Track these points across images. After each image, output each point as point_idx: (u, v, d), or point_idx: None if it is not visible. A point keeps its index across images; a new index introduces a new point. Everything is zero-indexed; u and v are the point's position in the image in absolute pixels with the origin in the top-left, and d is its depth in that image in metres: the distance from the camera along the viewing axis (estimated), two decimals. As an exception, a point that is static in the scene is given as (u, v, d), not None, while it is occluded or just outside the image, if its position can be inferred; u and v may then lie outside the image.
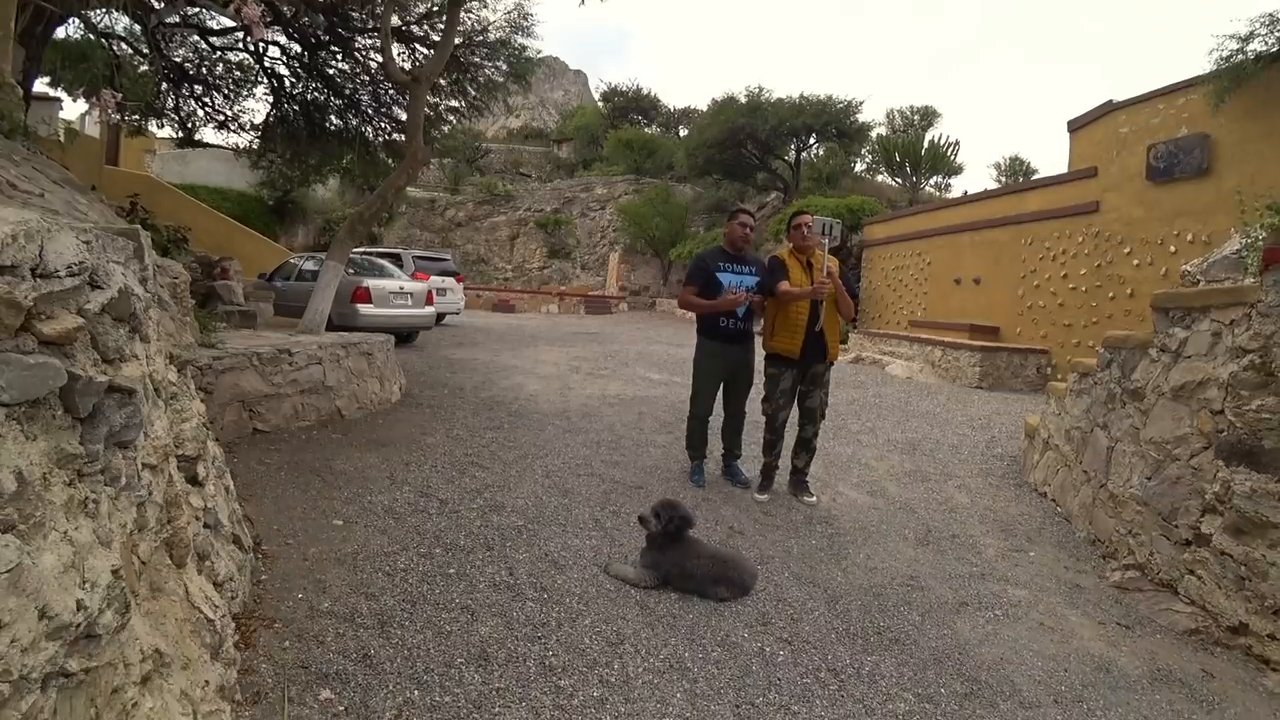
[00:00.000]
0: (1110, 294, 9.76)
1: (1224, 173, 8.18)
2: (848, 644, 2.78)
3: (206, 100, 10.24)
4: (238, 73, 10.19)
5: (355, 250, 12.28)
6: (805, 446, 4.58)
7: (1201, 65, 8.27)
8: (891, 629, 2.92)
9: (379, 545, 3.15)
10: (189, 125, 10.35)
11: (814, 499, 4.54)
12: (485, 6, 8.90)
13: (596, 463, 4.96)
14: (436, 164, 29.34)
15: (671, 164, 27.54)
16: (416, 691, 2.18)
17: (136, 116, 10.01)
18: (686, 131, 30.07)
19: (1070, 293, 10.60)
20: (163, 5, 8.05)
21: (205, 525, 2.24)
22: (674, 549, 3.17)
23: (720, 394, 4.78)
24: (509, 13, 9.32)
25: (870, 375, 11.67)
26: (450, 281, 13.68)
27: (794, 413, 4.58)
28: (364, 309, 8.97)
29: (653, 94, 32.89)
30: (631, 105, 32.48)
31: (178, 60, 9.53)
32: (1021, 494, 5.10)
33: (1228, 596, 2.90)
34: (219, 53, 9.79)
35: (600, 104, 34.63)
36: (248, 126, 10.62)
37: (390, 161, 16.90)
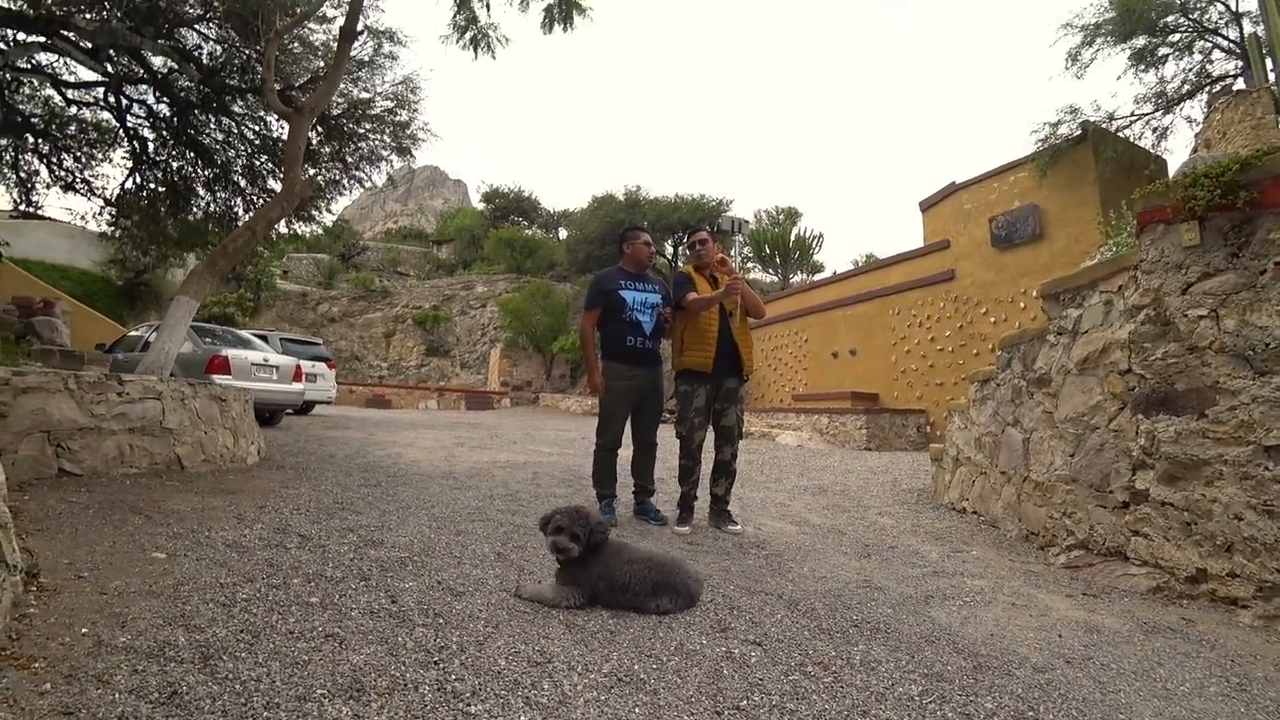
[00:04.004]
0: (974, 351, 10.57)
1: (1054, 236, 9.32)
2: (826, 640, 2.36)
3: (54, 160, 8.90)
4: (94, 132, 9.05)
5: (216, 325, 11.02)
6: (724, 471, 4.25)
7: (1026, 146, 9.63)
8: (868, 621, 2.55)
9: (213, 577, 2.37)
10: (28, 185, 8.94)
11: (738, 528, 4.16)
12: (374, 71, 8.71)
13: (492, 511, 4.33)
14: (310, 259, 27.94)
15: (553, 263, 27.92)
16: (252, 732, 1.49)
17: None
18: (567, 233, 30.92)
19: (938, 354, 11.39)
20: (13, 47, 7.11)
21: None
22: (597, 559, 2.63)
23: (629, 426, 4.40)
24: (397, 85, 9.21)
25: (762, 445, 11.71)
26: (321, 367, 12.50)
27: (709, 437, 4.28)
28: (221, 381, 7.81)
29: (533, 196, 33.81)
30: (512, 206, 33.09)
31: (22, 111, 8.33)
32: (940, 514, 5.01)
33: (1178, 547, 2.80)
34: (74, 108, 8.71)
35: (481, 205, 35.01)
36: (99, 192, 9.36)
37: (264, 249, 15.67)
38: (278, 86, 7.43)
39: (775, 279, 23.30)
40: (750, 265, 24.36)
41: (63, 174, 8.85)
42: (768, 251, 22.21)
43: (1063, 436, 3.58)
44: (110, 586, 2.15)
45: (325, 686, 1.74)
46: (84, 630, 1.83)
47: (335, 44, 7.24)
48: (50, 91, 8.33)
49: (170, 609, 2.05)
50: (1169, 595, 2.77)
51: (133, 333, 9.70)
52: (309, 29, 8.30)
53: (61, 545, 2.48)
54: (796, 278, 23.39)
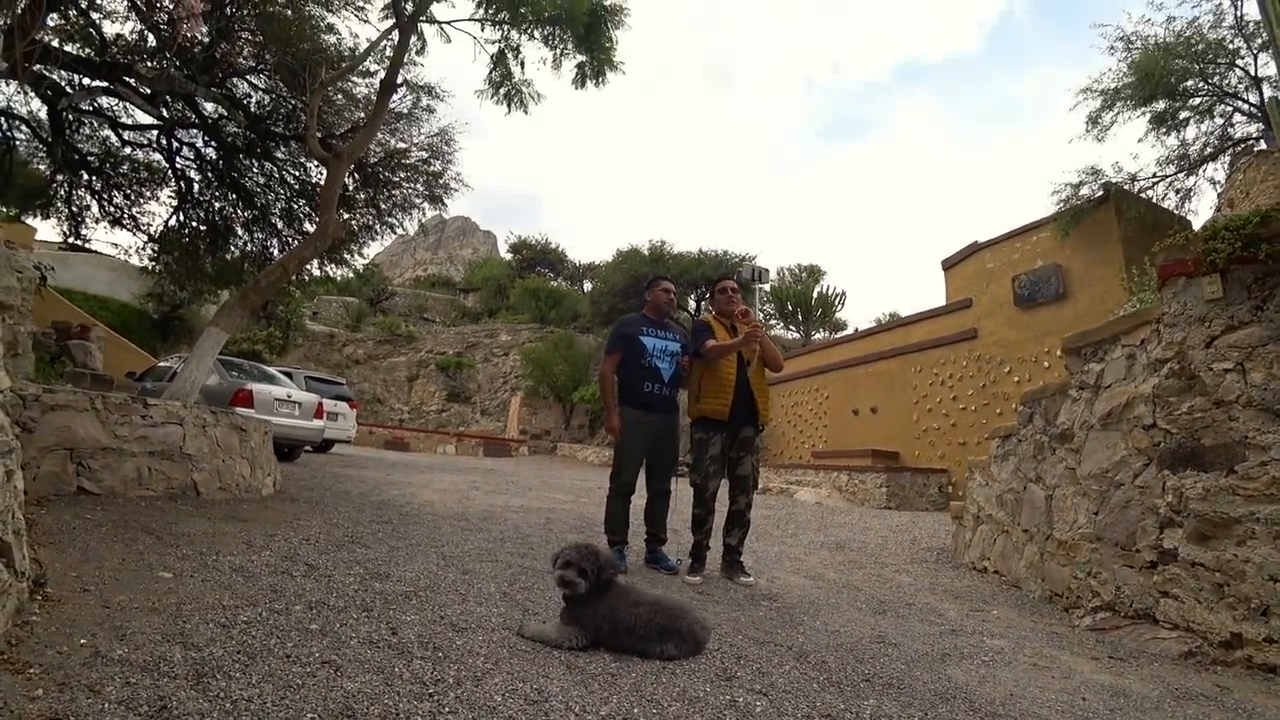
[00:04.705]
0: (998, 410, 10.37)
1: (1078, 295, 9.25)
2: (835, 692, 2.27)
3: (105, 197, 9.38)
4: (144, 172, 9.55)
5: (243, 360, 11.28)
6: (738, 520, 4.17)
7: (1047, 207, 9.66)
8: (880, 676, 2.45)
9: (216, 599, 2.37)
10: (79, 219, 9.41)
11: (751, 579, 4.05)
12: (412, 123, 9.11)
13: (501, 553, 4.28)
14: (339, 302, 28.64)
15: (576, 314, 28.21)
16: (236, 750, 1.47)
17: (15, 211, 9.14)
18: (591, 286, 31.32)
19: (961, 413, 11.19)
20: (78, 90, 7.61)
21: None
22: (602, 600, 2.58)
23: (642, 472, 4.36)
24: (433, 136, 9.60)
25: (779, 501, 11.47)
26: (343, 406, 12.67)
27: (722, 487, 4.21)
28: (244, 414, 7.96)
29: (560, 248, 34.53)
30: (539, 258, 33.78)
31: (80, 150, 8.83)
32: (960, 573, 4.84)
33: (1211, 609, 2.66)
34: (129, 148, 9.22)
35: (508, 256, 35.80)
36: (144, 228, 9.80)
37: (295, 290, 16.12)
38: (319, 135, 7.81)
39: (797, 336, 23.30)
40: (773, 321, 24.42)
41: (112, 210, 9.31)
42: (790, 309, 22.29)
43: (1086, 493, 3.47)
44: (114, 601, 2.17)
45: (316, 711, 1.71)
46: (83, 641, 1.83)
47: (376, 96, 7.61)
48: (108, 132, 8.85)
49: (170, 626, 2.05)
50: (1202, 661, 2.62)
51: (162, 363, 9.96)
52: (352, 82, 8.76)
53: (71, 559, 2.51)
54: (818, 335, 23.39)
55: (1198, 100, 9.20)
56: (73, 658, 1.72)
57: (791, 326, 23.36)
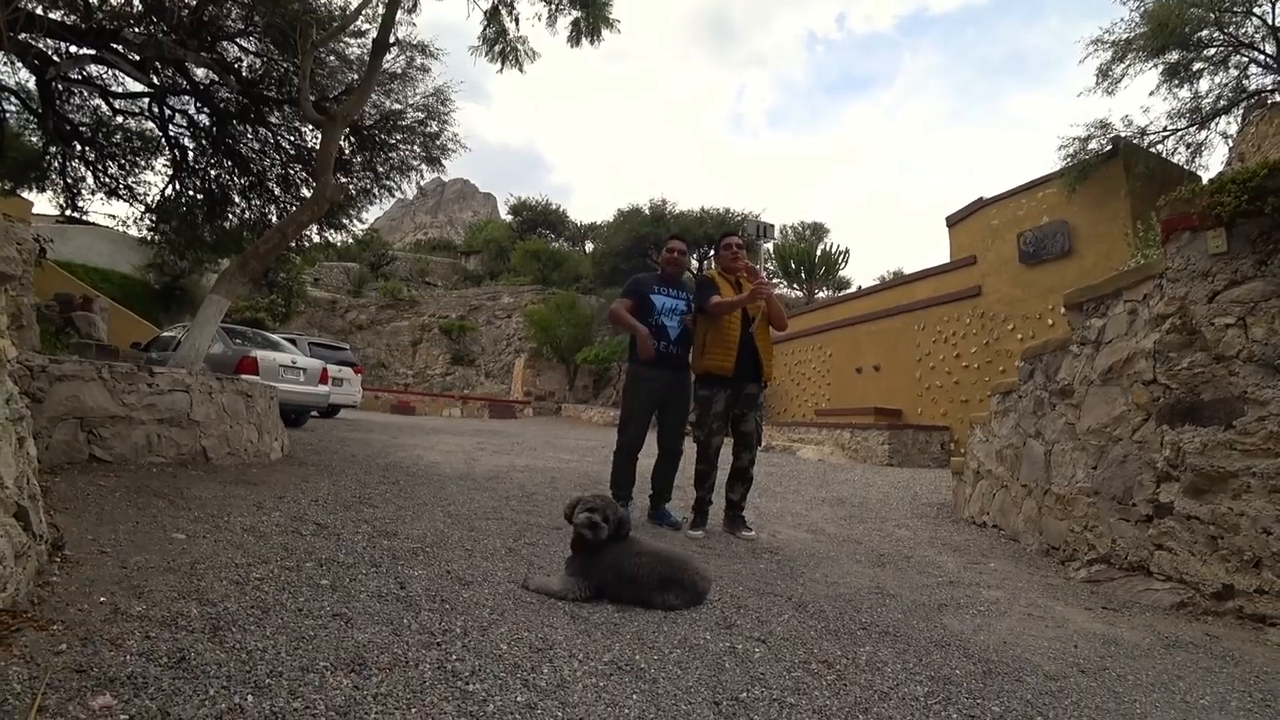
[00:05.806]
0: (1000, 368, 10.39)
1: (1084, 252, 9.16)
2: (832, 640, 2.35)
3: (99, 167, 9.25)
4: (138, 141, 9.40)
5: (247, 328, 11.31)
6: (741, 477, 4.22)
7: (1054, 162, 9.49)
8: (877, 624, 2.53)
9: (229, 558, 2.44)
10: (75, 191, 9.31)
11: (752, 534, 4.13)
12: (406, 83, 8.92)
13: (507, 511, 4.35)
14: (340, 268, 28.55)
15: (579, 275, 28.10)
16: (250, 696, 1.53)
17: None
18: (593, 246, 31.09)
19: (964, 370, 11.21)
20: (66, 58, 7.44)
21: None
22: (607, 551, 2.64)
23: (652, 434, 4.39)
24: (428, 96, 9.41)
25: (783, 459, 11.59)
26: (348, 371, 12.75)
27: (726, 443, 4.26)
28: (249, 380, 8.03)
29: (561, 209, 34.22)
30: (540, 219, 33.50)
31: (72, 120, 8.68)
32: (961, 528, 4.92)
33: (1204, 561, 2.71)
34: (120, 117, 9.07)
35: (509, 218, 35.48)
36: (141, 198, 9.68)
37: (296, 256, 16.00)
38: (313, 98, 7.65)
39: (800, 294, 23.18)
40: (777, 280, 24.26)
41: (107, 180, 9.19)
42: (793, 267, 22.14)
43: (1085, 448, 3.50)
44: (130, 562, 2.23)
45: (329, 660, 1.77)
46: (102, 599, 1.89)
47: (369, 56, 7.45)
48: (98, 101, 8.68)
49: (186, 584, 2.12)
50: (1193, 611, 2.69)
51: (166, 333, 9.99)
52: (344, 42, 8.55)
53: (87, 523, 2.58)
54: (822, 293, 23.27)
55: (1212, 51, 8.92)
56: (93, 614, 1.79)
57: (795, 285, 23.23)
